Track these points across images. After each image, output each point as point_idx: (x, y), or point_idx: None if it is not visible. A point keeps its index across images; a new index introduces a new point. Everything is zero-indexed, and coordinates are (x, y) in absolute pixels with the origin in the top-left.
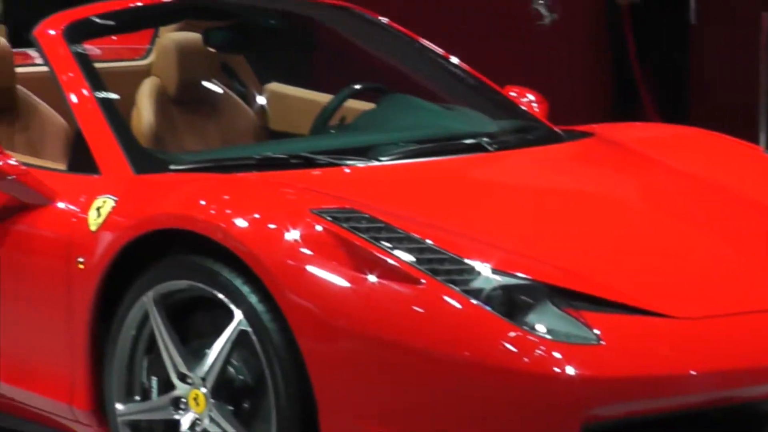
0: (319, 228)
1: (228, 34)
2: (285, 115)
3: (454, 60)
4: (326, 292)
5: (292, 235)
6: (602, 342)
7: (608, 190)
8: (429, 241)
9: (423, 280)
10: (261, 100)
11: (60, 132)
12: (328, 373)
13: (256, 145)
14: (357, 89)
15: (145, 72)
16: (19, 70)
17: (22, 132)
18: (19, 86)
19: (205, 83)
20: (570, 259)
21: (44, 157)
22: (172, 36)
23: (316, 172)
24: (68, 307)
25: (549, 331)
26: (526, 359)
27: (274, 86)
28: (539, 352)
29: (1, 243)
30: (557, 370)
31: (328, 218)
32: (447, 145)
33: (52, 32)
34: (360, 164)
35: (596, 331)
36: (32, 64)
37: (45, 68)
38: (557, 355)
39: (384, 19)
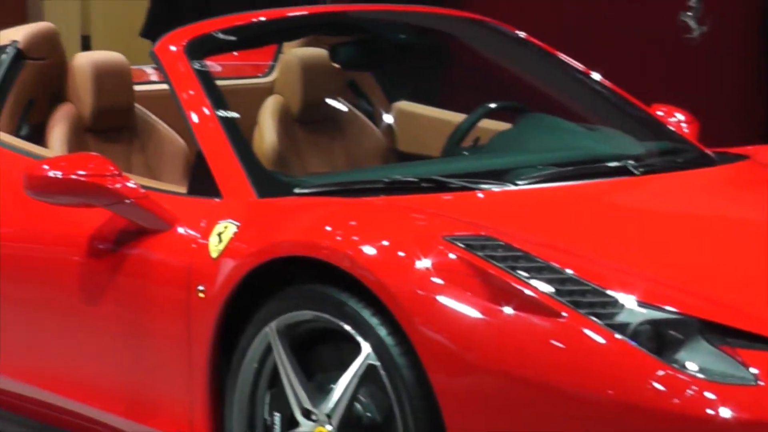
0: (452, 256)
1: (355, 49)
2: (414, 135)
3: (596, 76)
4: (459, 325)
5: (424, 263)
6: (760, 383)
7: (765, 217)
8: (570, 271)
9: (564, 313)
10: (389, 119)
11: (179, 153)
12: (460, 411)
13: (384, 168)
14: (492, 108)
15: (268, 90)
16: (136, 88)
17: (140, 153)
18: (136, 105)
19: (331, 102)
20: (723, 292)
21: (162, 179)
22: (296, 52)
23: (447, 196)
24: (188, 338)
25: (701, 370)
26: (676, 400)
27: (403, 105)
28: (691, 392)
29: (118, 269)
30: (711, 412)
31: (462, 246)
32: (589, 168)
33: (173, 48)
34: (495, 188)
35: (753, 371)
36: (148, 82)
37: (162, 86)
38: (711, 395)
39: (521, 33)
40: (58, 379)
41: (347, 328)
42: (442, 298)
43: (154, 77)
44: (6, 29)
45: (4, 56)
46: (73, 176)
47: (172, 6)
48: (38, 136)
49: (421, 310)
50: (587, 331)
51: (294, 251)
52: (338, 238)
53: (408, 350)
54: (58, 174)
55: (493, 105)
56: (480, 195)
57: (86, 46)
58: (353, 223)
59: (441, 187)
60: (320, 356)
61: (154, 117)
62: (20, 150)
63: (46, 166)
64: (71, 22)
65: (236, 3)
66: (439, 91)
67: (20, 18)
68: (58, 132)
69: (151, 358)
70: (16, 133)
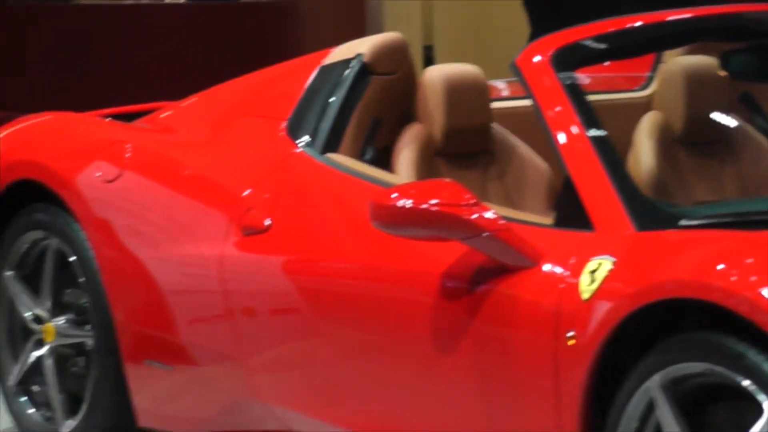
0: None
1: (752, 57)
2: None
3: None
4: None
5: None
6: None
7: None
8: None
9: None
10: None
11: (542, 179)
12: None
13: None
14: None
15: (645, 105)
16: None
17: (497, 179)
18: (494, 125)
19: (720, 118)
20: None
21: (523, 208)
22: (679, 61)
23: None
24: (555, 391)
25: None
26: None
27: None
28: None
29: (473, 311)
30: None
31: None
32: None
33: (537, 59)
34: None
35: None
36: (502, 98)
37: (517, 103)
38: None
39: None
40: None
41: (746, 384)
42: None
43: (505, 93)
44: (350, 41)
45: (347, 71)
46: (425, 206)
47: (556, 22)
48: (385, 161)
49: None
50: None
51: (680, 293)
52: (734, 278)
53: None
54: (408, 203)
55: None
56: None
57: (429, 57)
58: (751, 260)
59: None
60: (712, 416)
61: (514, 138)
62: (364, 176)
63: (394, 195)
64: (412, 30)
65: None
66: None
67: (359, 31)
68: (406, 156)
69: (511, 411)
70: (360, 157)
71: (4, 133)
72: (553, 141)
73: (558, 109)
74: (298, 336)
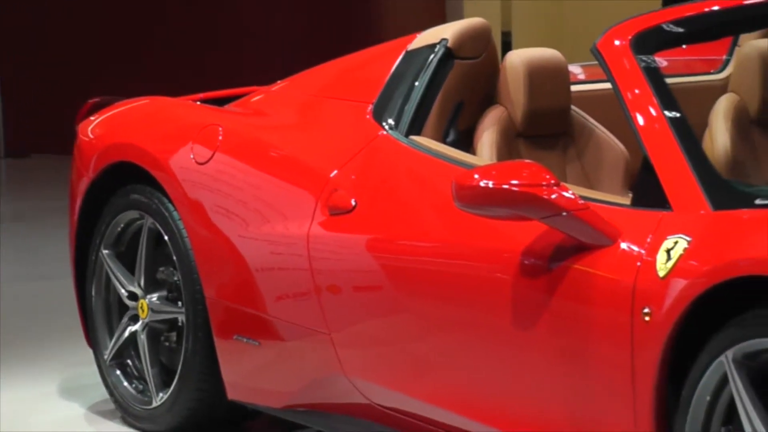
0: None
1: None
2: None
3: None
4: None
5: None
6: None
7: None
8: None
9: None
10: None
11: (619, 160)
12: None
13: None
14: None
15: (721, 88)
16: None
17: (576, 160)
18: (573, 107)
19: None
20: None
21: (600, 188)
22: (756, 44)
23: None
24: (631, 366)
25: None
26: None
27: None
28: None
29: (551, 288)
30: None
31: None
32: None
33: (617, 43)
34: None
35: None
36: (579, 82)
37: (593, 86)
38: None
39: None
40: (477, 406)
41: None
42: None
43: (581, 77)
44: (435, 27)
45: (432, 56)
46: (506, 186)
47: None
48: (467, 143)
49: None
50: None
51: (755, 271)
52: None
53: None
54: (490, 184)
55: None
56: None
57: (506, 43)
58: None
59: None
60: None
61: (592, 120)
62: (447, 158)
63: (476, 176)
64: (491, 17)
65: None
66: None
67: (440, 19)
68: (487, 138)
69: (588, 386)
70: (442, 139)
71: (103, 117)
72: (632, 122)
73: (637, 91)
74: (381, 312)
